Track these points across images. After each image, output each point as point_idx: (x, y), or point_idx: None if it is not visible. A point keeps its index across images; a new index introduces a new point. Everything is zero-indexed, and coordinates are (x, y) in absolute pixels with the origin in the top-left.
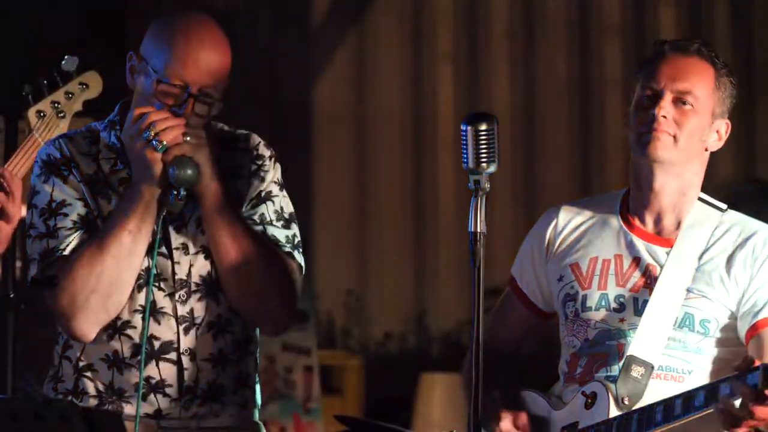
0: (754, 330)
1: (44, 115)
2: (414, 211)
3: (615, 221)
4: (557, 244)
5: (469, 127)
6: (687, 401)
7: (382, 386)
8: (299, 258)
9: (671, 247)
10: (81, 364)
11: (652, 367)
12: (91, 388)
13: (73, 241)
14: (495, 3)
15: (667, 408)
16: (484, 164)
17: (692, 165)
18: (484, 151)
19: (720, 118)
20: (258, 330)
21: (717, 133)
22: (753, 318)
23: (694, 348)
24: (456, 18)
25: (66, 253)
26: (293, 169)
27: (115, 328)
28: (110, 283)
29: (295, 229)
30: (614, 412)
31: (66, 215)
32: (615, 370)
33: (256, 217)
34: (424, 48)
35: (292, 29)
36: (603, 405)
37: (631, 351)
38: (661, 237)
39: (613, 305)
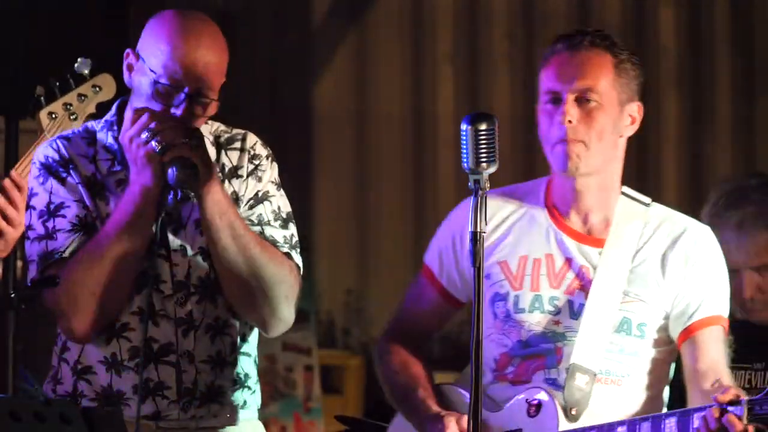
0: (687, 333)
1: (56, 117)
2: (414, 211)
3: (542, 216)
4: (486, 238)
5: (468, 127)
6: (655, 425)
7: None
8: (297, 258)
9: (602, 247)
10: (79, 366)
11: (595, 374)
12: (89, 391)
13: (71, 243)
14: (495, 3)
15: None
16: (483, 164)
17: (610, 159)
18: (483, 151)
19: (629, 103)
20: (257, 330)
21: (630, 117)
22: (687, 320)
23: (631, 351)
24: (456, 18)
25: (65, 255)
26: (293, 170)
27: (113, 330)
28: (108, 285)
29: (292, 228)
30: (563, 422)
31: (64, 217)
32: (554, 373)
33: (254, 218)
34: (425, 48)
35: (293, 29)
36: (550, 415)
37: (573, 359)
38: (591, 236)
39: (548, 307)
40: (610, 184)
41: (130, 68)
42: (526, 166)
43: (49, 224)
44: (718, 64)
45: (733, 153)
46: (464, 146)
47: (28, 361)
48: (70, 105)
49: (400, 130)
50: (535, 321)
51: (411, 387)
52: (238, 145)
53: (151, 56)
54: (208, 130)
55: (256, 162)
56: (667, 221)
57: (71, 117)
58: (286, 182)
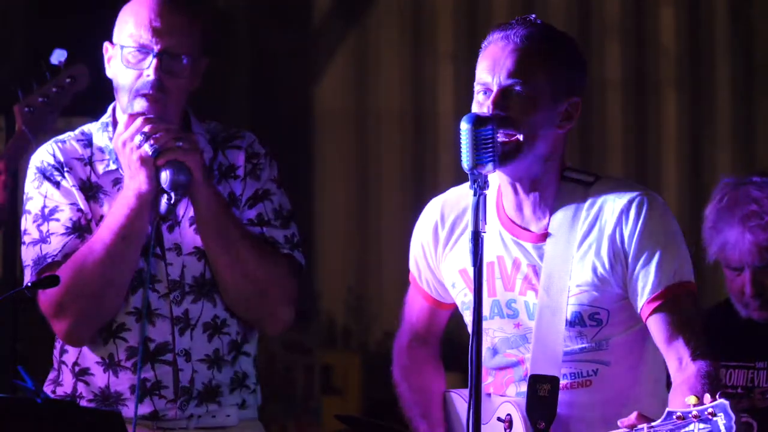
0: (646, 310)
1: (33, 110)
2: (415, 211)
3: (493, 216)
4: (444, 244)
5: (468, 127)
6: None
7: (383, 385)
8: (299, 257)
9: (545, 242)
10: (77, 368)
11: (557, 379)
12: (87, 392)
13: (65, 246)
14: (495, 2)
15: None
16: (483, 163)
17: (544, 153)
18: (483, 150)
19: (565, 96)
20: (256, 330)
21: (568, 108)
22: (643, 297)
23: (593, 343)
24: (456, 17)
25: (59, 258)
26: (294, 169)
27: (109, 331)
28: (103, 287)
29: (293, 227)
30: None
31: (58, 221)
32: (523, 386)
33: (254, 218)
34: (425, 47)
35: (293, 29)
36: (518, 431)
37: (532, 370)
38: (532, 232)
39: (506, 311)
40: (546, 178)
41: (109, 60)
42: None
43: (44, 228)
44: (718, 65)
45: (733, 153)
46: (464, 146)
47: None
48: (47, 97)
49: (400, 130)
50: (497, 326)
51: (410, 405)
52: (235, 144)
53: (120, 33)
54: (205, 129)
55: (254, 161)
56: (605, 198)
57: (48, 108)
58: (286, 181)
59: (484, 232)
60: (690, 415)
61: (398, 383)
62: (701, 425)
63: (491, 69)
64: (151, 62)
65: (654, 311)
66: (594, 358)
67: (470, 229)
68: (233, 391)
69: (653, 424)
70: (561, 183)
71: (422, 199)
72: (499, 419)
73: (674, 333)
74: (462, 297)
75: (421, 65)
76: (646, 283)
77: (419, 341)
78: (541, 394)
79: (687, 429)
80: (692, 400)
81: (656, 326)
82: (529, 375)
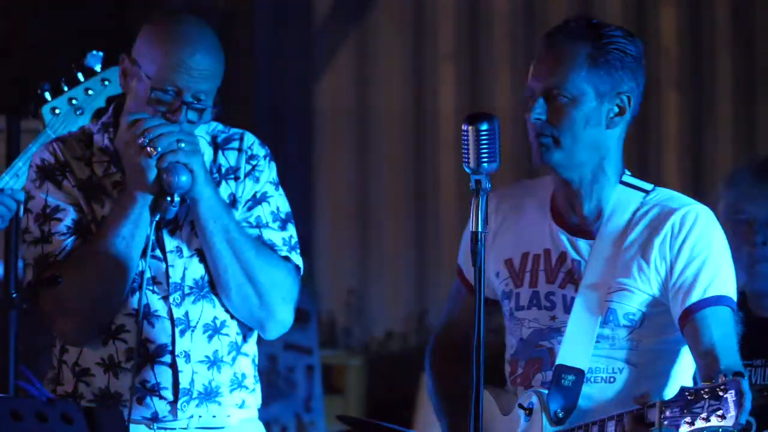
0: (684, 318)
1: (59, 113)
2: (415, 211)
3: (546, 212)
4: (494, 235)
5: (470, 127)
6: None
7: (384, 386)
8: (297, 259)
9: (593, 239)
10: (78, 368)
11: (583, 373)
12: (88, 392)
13: (67, 246)
14: (496, 3)
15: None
16: (484, 164)
17: (595, 152)
18: (485, 150)
19: (611, 95)
20: (256, 330)
21: (618, 107)
22: (681, 305)
23: (623, 343)
24: (457, 18)
25: (60, 258)
26: (294, 169)
27: (109, 332)
28: (104, 288)
29: (291, 229)
30: (547, 426)
31: (60, 220)
32: (549, 376)
33: (252, 220)
34: (426, 47)
35: (294, 29)
36: (537, 419)
37: (559, 359)
38: (583, 229)
39: (544, 303)
40: (602, 177)
41: (125, 73)
42: (527, 165)
43: (45, 228)
44: (719, 64)
45: (734, 152)
46: (465, 146)
47: (30, 361)
48: (75, 99)
49: (401, 130)
50: (533, 317)
51: (436, 393)
52: (235, 145)
53: (146, 62)
54: (205, 129)
55: (254, 162)
56: (659, 205)
57: (77, 112)
58: (287, 181)
59: (486, 233)
60: (702, 392)
61: (429, 371)
62: (712, 402)
63: (536, 72)
64: (177, 109)
65: (691, 319)
66: (623, 357)
67: (529, 224)
68: (233, 392)
69: (666, 400)
70: (619, 186)
71: (423, 199)
72: (520, 406)
73: (708, 344)
74: (503, 286)
75: (422, 65)
76: (687, 290)
77: (458, 338)
78: (565, 384)
79: (697, 405)
80: (706, 380)
81: (691, 334)
82: (556, 365)
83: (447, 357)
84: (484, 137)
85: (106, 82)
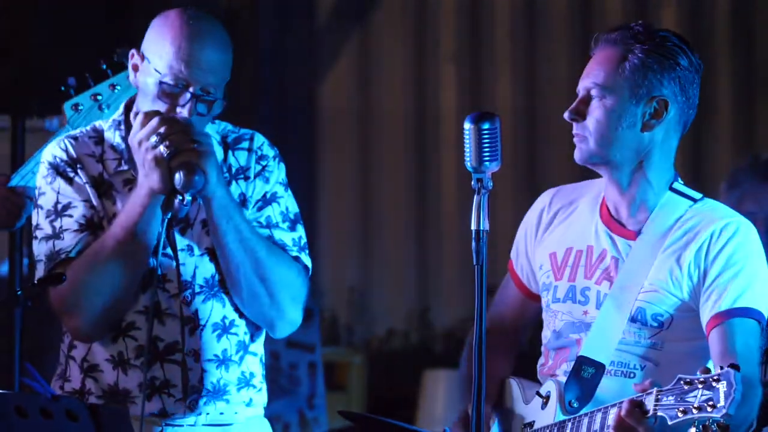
0: (711, 324)
1: (81, 109)
2: (417, 210)
3: (596, 210)
4: (544, 229)
5: (471, 126)
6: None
7: (386, 383)
8: (306, 260)
9: (635, 239)
10: (86, 364)
11: (604, 367)
12: (96, 388)
13: (78, 242)
14: (497, 4)
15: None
16: (486, 163)
17: (632, 153)
18: (486, 149)
19: (647, 98)
20: (264, 330)
21: (655, 111)
22: (710, 311)
23: (648, 342)
24: (459, 18)
25: (71, 254)
26: (298, 168)
27: (119, 329)
28: (114, 285)
29: (300, 230)
30: (559, 414)
31: (71, 216)
32: (572, 365)
33: (262, 220)
34: (428, 48)
35: (298, 28)
36: (551, 407)
37: (582, 351)
38: (627, 229)
39: (579, 297)
40: (645, 181)
41: (135, 68)
42: (529, 164)
43: (56, 224)
44: (719, 64)
45: (734, 150)
46: (467, 145)
47: (35, 358)
48: (100, 95)
49: (403, 129)
50: (567, 310)
51: (463, 380)
52: (245, 145)
53: (156, 56)
54: (216, 130)
55: (264, 163)
56: (703, 215)
57: (101, 108)
58: (290, 180)
59: (487, 230)
60: (697, 381)
61: (463, 359)
62: (705, 391)
63: (582, 75)
64: (187, 102)
65: (717, 327)
66: (646, 355)
67: (578, 220)
68: (240, 390)
69: (663, 388)
70: (668, 192)
71: (425, 198)
72: (538, 394)
73: (729, 351)
74: (544, 278)
75: (423, 65)
76: (718, 298)
77: (500, 328)
78: (584, 375)
79: (691, 394)
80: (705, 369)
81: (715, 340)
82: (578, 356)
83: (491, 350)
84: (485, 136)
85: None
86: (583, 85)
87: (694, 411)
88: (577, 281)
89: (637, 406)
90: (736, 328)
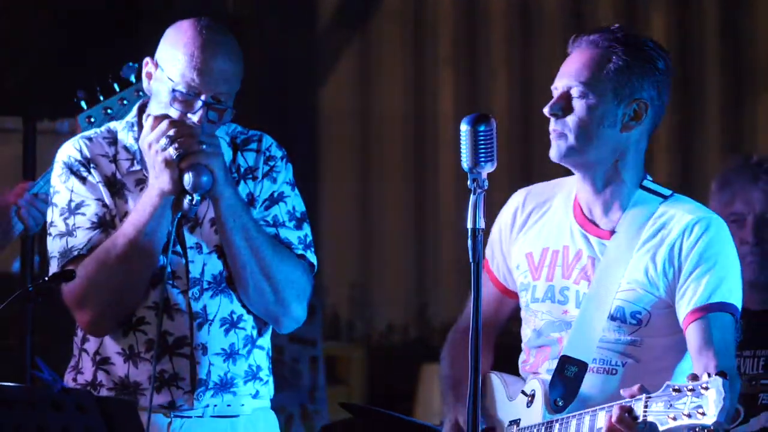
0: (688, 320)
1: (94, 121)
2: (415, 208)
3: (569, 209)
4: (519, 229)
5: (468, 128)
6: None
7: (385, 376)
8: (311, 257)
9: (610, 238)
10: (98, 357)
11: (586, 365)
12: (107, 380)
13: (91, 240)
14: (493, 9)
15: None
16: (482, 163)
17: (609, 153)
18: (482, 150)
19: (629, 99)
20: (270, 325)
21: (634, 112)
22: (686, 307)
23: (628, 339)
24: (456, 23)
25: (84, 251)
26: (300, 167)
27: (130, 323)
28: (125, 281)
29: (306, 228)
30: (546, 413)
31: (84, 215)
32: (554, 364)
33: (269, 218)
34: (426, 52)
35: (300, 34)
36: (537, 406)
37: (564, 351)
38: (601, 228)
39: (558, 297)
40: (619, 180)
41: (149, 76)
42: (524, 165)
43: (70, 221)
44: (707, 68)
45: (721, 150)
46: (463, 146)
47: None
48: (110, 109)
49: (402, 130)
50: (546, 310)
51: (445, 377)
52: (254, 146)
53: (169, 65)
54: (225, 131)
55: (271, 163)
56: (676, 212)
57: (111, 121)
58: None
59: (482, 229)
60: (686, 389)
61: (442, 358)
62: (694, 399)
63: (560, 73)
64: (199, 109)
65: (694, 321)
66: (626, 351)
67: (552, 220)
68: (247, 383)
69: (651, 394)
70: (639, 191)
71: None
72: (523, 393)
73: (707, 345)
74: (522, 278)
75: (422, 69)
76: (694, 294)
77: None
78: (567, 374)
79: (680, 401)
80: (693, 376)
81: (692, 335)
82: (561, 355)
83: (465, 343)
84: (481, 138)
85: (140, 93)
86: (563, 83)
87: (684, 418)
88: (555, 281)
89: (627, 411)
90: (712, 322)
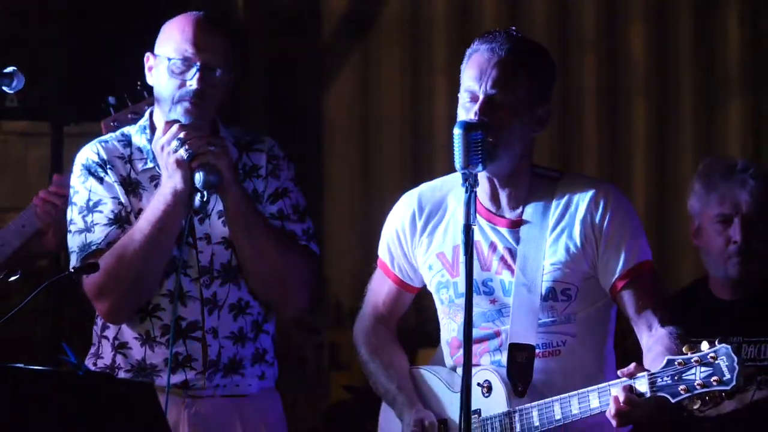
0: (616, 287)
1: (119, 126)
2: None
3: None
4: (421, 233)
5: (460, 132)
6: (582, 402)
7: None
8: (314, 248)
9: (519, 227)
10: (117, 342)
11: (534, 347)
12: (125, 363)
13: (108, 235)
14: (484, 23)
15: (564, 406)
16: (473, 164)
17: (522, 150)
18: (473, 153)
19: (540, 100)
20: (275, 311)
21: (546, 114)
22: (611, 276)
23: (563, 318)
24: (449, 35)
25: (102, 246)
26: (305, 167)
27: (146, 311)
28: (141, 272)
29: (309, 221)
30: (511, 399)
31: (102, 212)
32: (497, 355)
33: (275, 212)
34: (422, 61)
35: (305, 42)
36: (499, 394)
37: (511, 339)
38: (508, 219)
39: (482, 289)
40: (519, 171)
41: (150, 69)
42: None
43: (88, 219)
44: (682, 76)
45: (695, 155)
46: (456, 149)
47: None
48: (136, 114)
49: (400, 134)
50: (474, 303)
51: (385, 380)
52: (259, 147)
53: (165, 46)
54: (231, 134)
55: (275, 162)
56: (574, 189)
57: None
58: (298, 177)
59: (475, 225)
60: (692, 360)
61: (368, 361)
62: (703, 368)
63: (478, 78)
64: (194, 74)
65: (623, 287)
66: (562, 330)
67: (454, 219)
68: (254, 365)
69: (653, 371)
70: (532, 178)
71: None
72: (478, 384)
73: (643, 304)
74: (439, 277)
75: (418, 77)
76: (616, 263)
77: (382, 323)
78: (519, 360)
79: (689, 373)
80: (688, 348)
81: (626, 300)
82: (508, 344)
83: (381, 330)
84: (473, 144)
85: None
86: (482, 88)
87: (699, 387)
88: (476, 275)
89: (631, 391)
90: (642, 282)
